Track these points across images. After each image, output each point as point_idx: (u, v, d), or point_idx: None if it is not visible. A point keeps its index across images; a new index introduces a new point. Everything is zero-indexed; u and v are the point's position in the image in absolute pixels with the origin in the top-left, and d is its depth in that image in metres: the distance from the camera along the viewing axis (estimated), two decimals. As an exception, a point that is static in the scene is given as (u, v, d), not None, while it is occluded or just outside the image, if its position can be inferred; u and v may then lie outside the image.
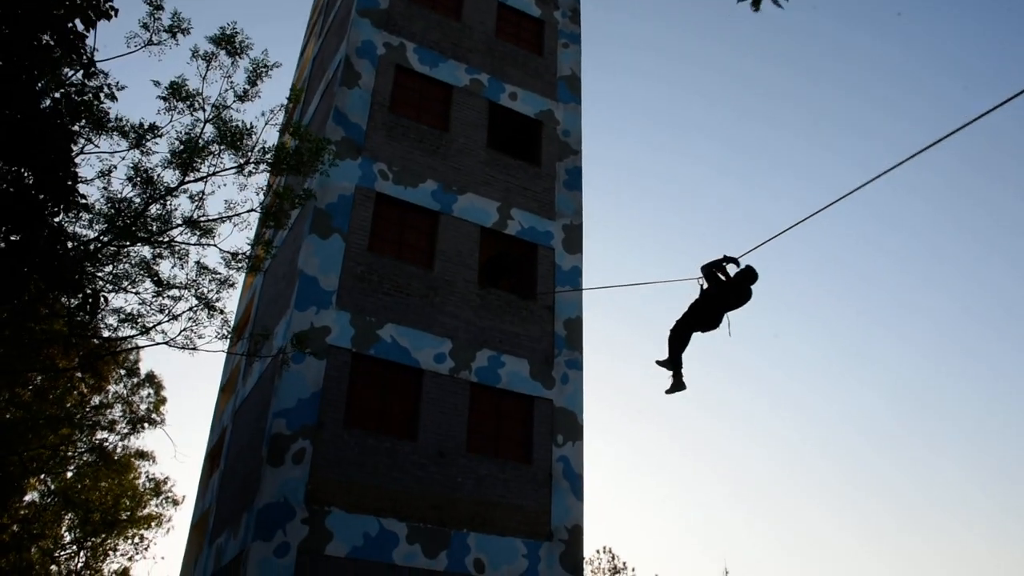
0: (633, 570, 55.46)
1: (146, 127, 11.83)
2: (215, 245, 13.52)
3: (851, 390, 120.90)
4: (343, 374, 15.26)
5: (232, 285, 14.03)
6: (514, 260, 18.71)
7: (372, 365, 15.70)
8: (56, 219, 7.50)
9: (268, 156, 13.05)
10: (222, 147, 12.49)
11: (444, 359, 16.26)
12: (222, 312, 13.85)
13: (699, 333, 10.45)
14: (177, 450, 38.22)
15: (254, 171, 13.32)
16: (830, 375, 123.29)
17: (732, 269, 10.27)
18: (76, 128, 8.69)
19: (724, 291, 10.09)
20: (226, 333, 13.91)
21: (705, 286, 10.22)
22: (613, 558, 54.04)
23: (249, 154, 12.95)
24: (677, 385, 10.61)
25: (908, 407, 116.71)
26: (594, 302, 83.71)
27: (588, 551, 56.05)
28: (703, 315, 10.21)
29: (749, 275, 10.10)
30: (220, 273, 13.80)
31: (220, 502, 18.61)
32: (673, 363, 10.47)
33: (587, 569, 52.94)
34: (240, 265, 13.93)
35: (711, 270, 10.14)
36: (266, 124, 13.09)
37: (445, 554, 14.80)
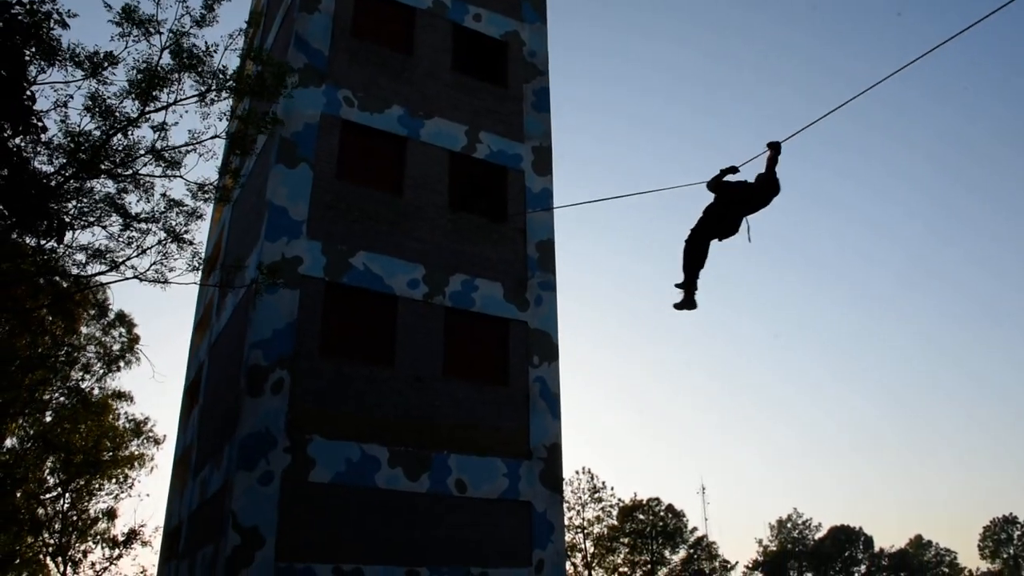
0: (612, 489, 56.94)
1: (102, 56, 11.48)
2: (181, 176, 13.28)
3: (835, 314, 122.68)
4: (317, 303, 15.24)
5: (200, 217, 13.84)
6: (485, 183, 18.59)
7: (346, 293, 15.68)
8: (14, 145, 7.30)
9: (230, 81, 12.73)
10: (182, 74, 12.17)
11: (417, 285, 16.27)
12: (192, 244, 13.70)
13: (716, 241, 9.49)
14: (155, 371, 37.87)
15: (216, 98, 13.02)
16: (819, 295, 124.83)
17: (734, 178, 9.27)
18: (27, 53, 8.40)
19: (743, 192, 9.15)
20: (197, 265, 13.77)
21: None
22: (592, 478, 55.29)
23: (210, 81, 12.64)
24: (688, 303, 9.68)
25: (881, 333, 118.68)
26: (565, 224, 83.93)
27: (567, 472, 57.28)
28: (719, 220, 9.26)
29: (774, 188, 9.13)
30: (188, 205, 13.60)
31: (202, 436, 18.71)
32: (688, 281, 9.55)
33: (567, 490, 54.11)
34: (208, 196, 13.72)
35: (718, 183, 9.19)
36: (226, 49, 12.75)
37: (427, 476, 15.04)
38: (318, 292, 15.34)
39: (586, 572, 54.15)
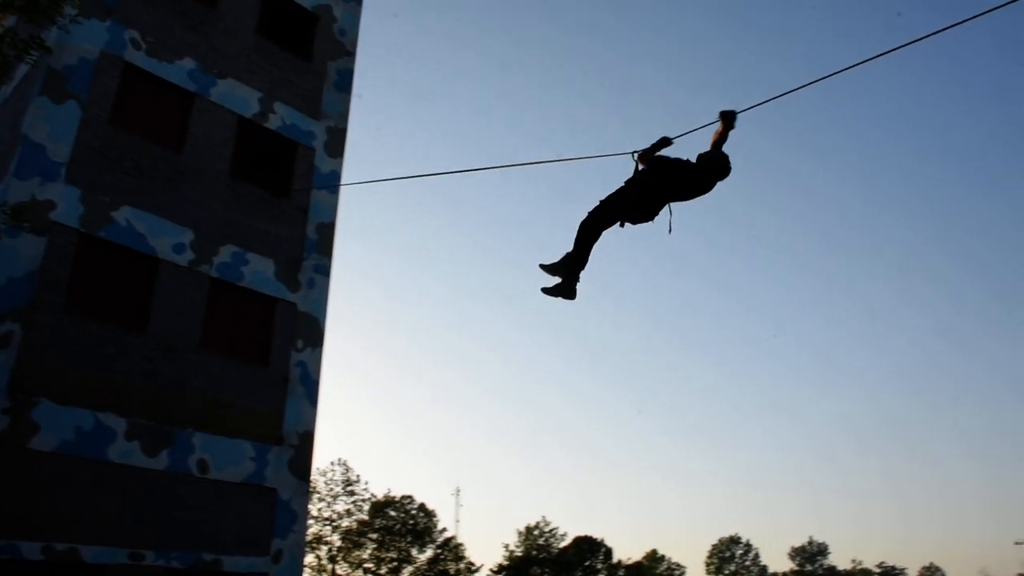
0: (367, 484, 56.42)
1: None
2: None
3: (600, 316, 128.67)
4: (67, 255, 13.92)
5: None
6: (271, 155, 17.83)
7: (102, 248, 14.45)
8: None
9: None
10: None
11: (184, 250, 15.29)
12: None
13: (620, 227, 7.72)
14: None
15: (-29, 10, 11.56)
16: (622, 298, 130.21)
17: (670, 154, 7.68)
18: None
19: (681, 172, 7.55)
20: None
21: (641, 168, 7.66)
22: (347, 471, 54.55)
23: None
24: (566, 290, 7.75)
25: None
26: (349, 210, 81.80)
27: (322, 462, 56.21)
28: (638, 200, 7.58)
29: (722, 167, 7.53)
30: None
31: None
32: (574, 261, 7.68)
33: (320, 480, 53.08)
34: (-53, 117, 12.15)
35: (651, 155, 7.62)
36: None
37: (167, 453, 14.14)
38: (70, 243, 14.01)
39: (330, 566, 53.31)
